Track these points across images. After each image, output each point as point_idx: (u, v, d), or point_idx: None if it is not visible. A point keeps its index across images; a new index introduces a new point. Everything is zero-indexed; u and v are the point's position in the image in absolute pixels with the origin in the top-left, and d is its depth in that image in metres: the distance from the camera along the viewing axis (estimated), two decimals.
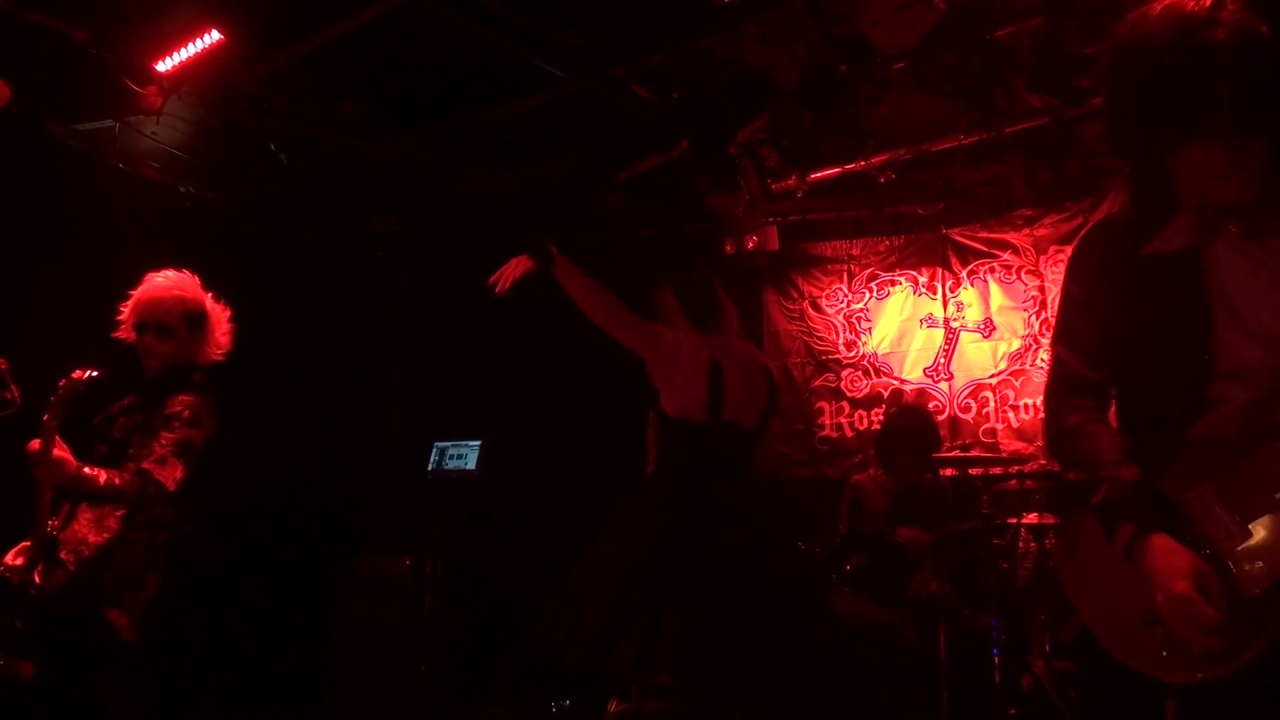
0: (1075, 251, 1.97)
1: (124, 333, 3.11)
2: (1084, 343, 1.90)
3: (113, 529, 2.87)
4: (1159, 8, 1.66)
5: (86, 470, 2.72)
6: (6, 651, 2.68)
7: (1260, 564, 1.60)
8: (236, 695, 5.15)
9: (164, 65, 4.37)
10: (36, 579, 2.73)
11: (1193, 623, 1.60)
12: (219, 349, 3.20)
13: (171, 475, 2.84)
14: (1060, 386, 1.93)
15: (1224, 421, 1.70)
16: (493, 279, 2.94)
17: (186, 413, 2.95)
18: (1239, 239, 1.73)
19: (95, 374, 2.80)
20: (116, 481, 2.76)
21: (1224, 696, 1.62)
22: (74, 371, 2.77)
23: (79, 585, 2.79)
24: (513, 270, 2.95)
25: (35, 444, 2.67)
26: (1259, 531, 1.62)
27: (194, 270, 3.27)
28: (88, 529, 2.86)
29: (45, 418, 2.68)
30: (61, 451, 2.69)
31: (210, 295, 3.22)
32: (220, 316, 3.21)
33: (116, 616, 2.83)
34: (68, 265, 4.22)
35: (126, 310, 3.11)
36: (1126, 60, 1.69)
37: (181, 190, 5.43)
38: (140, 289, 3.11)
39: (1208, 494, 1.67)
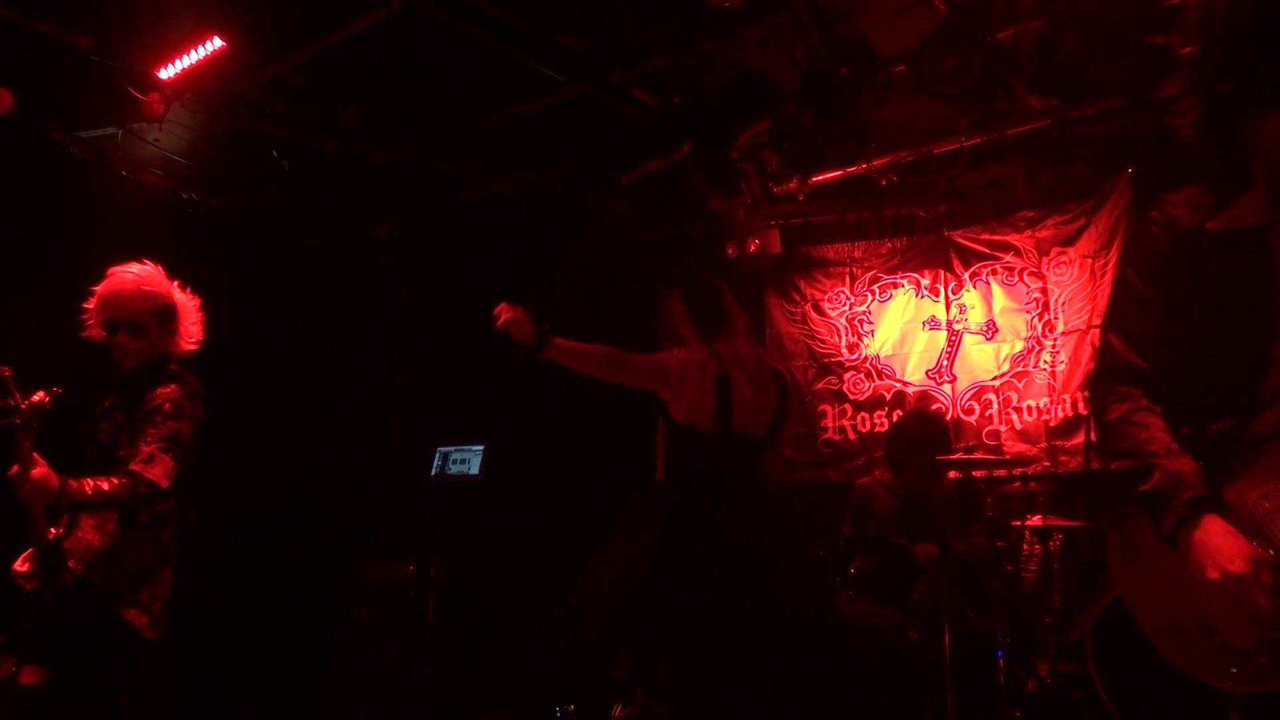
0: (1132, 236, 1.90)
1: (93, 332, 3.03)
2: (1133, 329, 1.81)
3: (111, 531, 2.86)
4: None
5: (71, 484, 2.66)
6: (18, 658, 2.68)
7: None
8: (240, 700, 5.15)
9: (166, 72, 4.38)
10: (44, 586, 2.74)
11: (1241, 608, 1.54)
12: (192, 339, 3.13)
13: (161, 471, 2.80)
14: (1106, 374, 1.85)
15: None
16: (497, 312, 2.91)
17: (168, 405, 2.90)
18: None
19: (58, 391, 2.72)
20: (105, 488, 2.71)
21: None
22: (34, 394, 2.68)
23: (90, 590, 2.79)
24: (516, 312, 2.89)
25: (14, 469, 2.61)
26: None
27: (196, 276, 3.25)
28: (91, 534, 2.85)
29: (17, 441, 2.61)
30: (41, 470, 2.62)
31: (177, 284, 3.15)
32: (189, 306, 3.14)
33: (135, 616, 2.83)
34: (71, 272, 4.22)
35: (92, 308, 3.03)
36: (1218, 12, 1.60)
37: (184, 196, 5.44)
38: (104, 285, 3.02)
39: (1275, 495, 1.59)
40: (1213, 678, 1.60)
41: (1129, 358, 1.81)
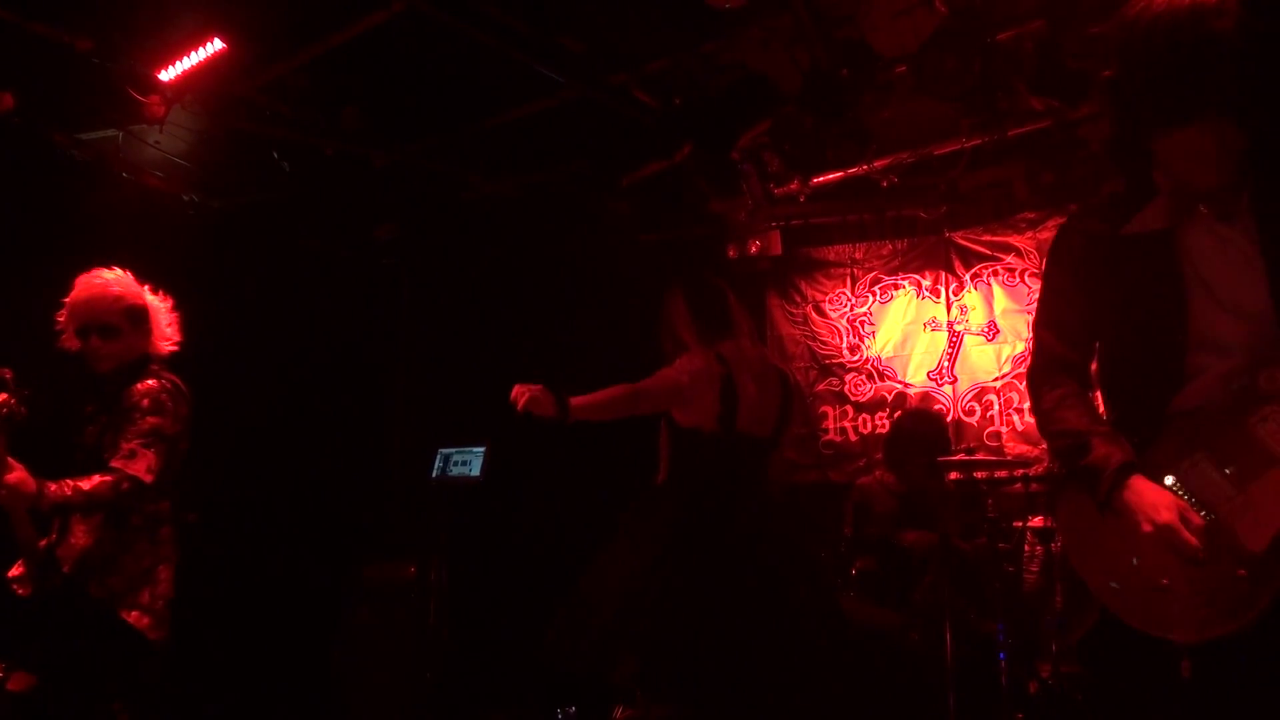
0: (1055, 239, 2.08)
1: (67, 341, 3.02)
2: (1064, 325, 2.02)
3: (106, 533, 2.84)
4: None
5: (50, 486, 2.64)
6: (7, 664, 2.68)
7: (1260, 523, 1.70)
8: (241, 701, 5.14)
9: (167, 74, 4.38)
10: (36, 592, 2.74)
11: (1176, 551, 1.72)
12: (167, 340, 3.12)
13: (144, 466, 2.78)
14: (1041, 367, 2.05)
15: (1204, 391, 1.81)
16: (515, 396, 2.92)
17: (145, 401, 2.89)
18: (1210, 220, 1.84)
19: (25, 392, 2.67)
20: (85, 487, 2.69)
21: (1236, 651, 1.70)
22: None
23: (84, 594, 2.77)
24: (533, 389, 2.91)
25: None
26: (1255, 493, 1.72)
27: (197, 278, 3.24)
28: (84, 539, 2.84)
29: None
30: (17, 474, 2.60)
31: (148, 287, 3.14)
32: (160, 308, 3.13)
33: (137, 618, 2.81)
34: (71, 274, 4.23)
35: (64, 317, 3.02)
36: (1134, 41, 1.75)
37: (185, 199, 5.43)
38: (74, 293, 3.02)
39: (1202, 462, 1.78)
40: (1162, 631, 1.76)
41: (1061, 351, 2.01)
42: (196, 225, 5.44)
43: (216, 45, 4.30)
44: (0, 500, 2.60)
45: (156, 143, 4.92)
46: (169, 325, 3.14)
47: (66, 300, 3.02)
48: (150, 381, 2.95)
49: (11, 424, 2.61)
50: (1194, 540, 1.70)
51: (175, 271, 3.24)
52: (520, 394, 2.90)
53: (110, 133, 4.87)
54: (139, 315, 3.05)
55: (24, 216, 4.60)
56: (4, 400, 2.62)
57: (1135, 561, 1.79)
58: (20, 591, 2.78)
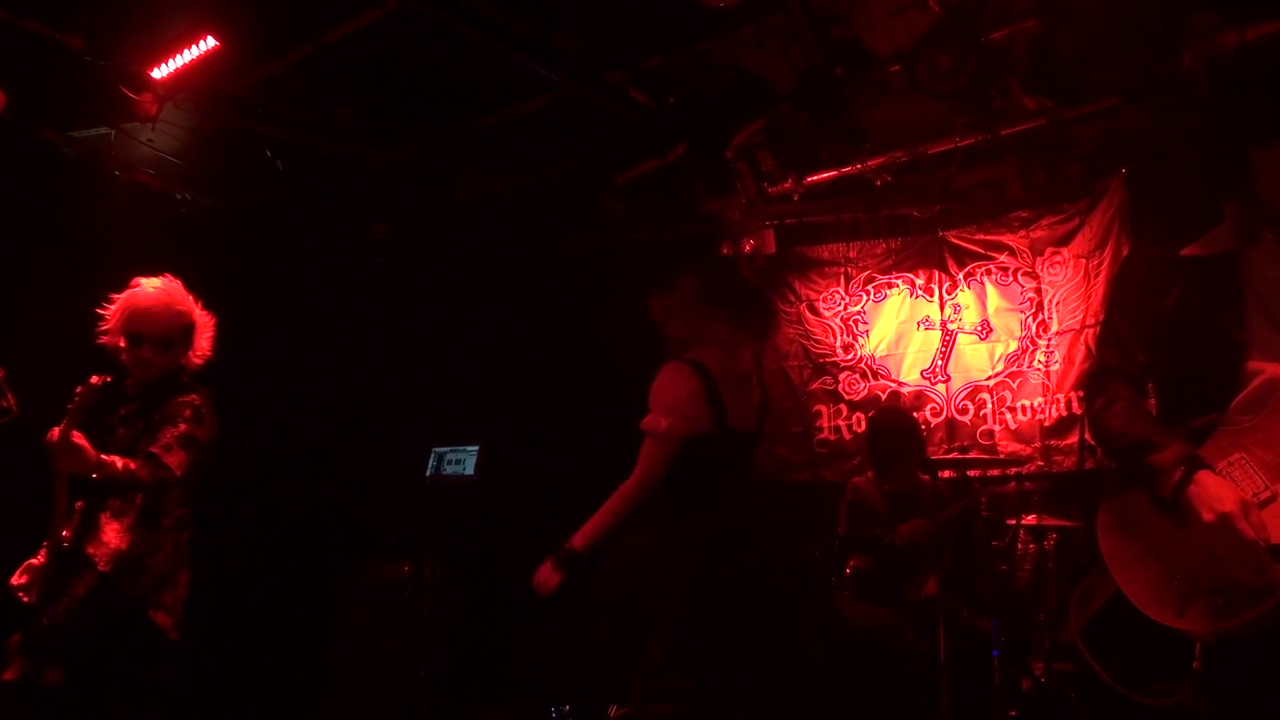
0: (1120, 267, 2.32)
1: (111, 340, 3.07)
2: (1120, 337, 2.15)
3: (138, 535, 2.91)
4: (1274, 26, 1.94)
5: (105, 457, 2.74)
6: (39, 658, 2.70)
7: None
8: (236, 701, 5.14)
9: (160, 72, 4.37)
10: (47, 592, 2.75)
11: (1233, 542, 1.81)
12: (201, 355, 3.20)
13: (177, 461, 2.89)
14: (1095, 375, 2.19)
15: (1254, 400, 1.94)
16: (536, 585, 2.93)
17: (188, 410, 3.00)
18: (1274, 245, 1.99)
19: (109, 380, 2.84)
20: (132, 467, 2.79)
21: (1247, 640, 1.82)
22: (91, 377, 2.80)
23: (119, 592, 2.84)
24: (550, 579, 2.92)
25: (54, 432, 2.68)
26: None
27: (191, 277, 3.25)
28: (116, 538, 2.88)
29: (69, 408, 2.71)
30: (80, 440, 2.70)
31: (194, 300, 3.21)
32: (205, 323, 3.21)
33: (161, 618, 2.90)
34: (64, 273, 4.22)
35: (113, 316, 3.07)
36: (1236, 59, 1.96)
37: (178, 197, 5.42)
38: (131, 297, 3.07)
39: (1239, 461, 1.91)
40: (1177, 621, 1.89)
41: (1115, 361, 2.14)
42: (189, 223, 5.43)
43: (209, 43, 4.29)
44: (59, 465, 2.70)
45: (149, 141, 4.91)
46: (207, 340, 3.22)
47: (121, 301, 3.08)
48: (192, 395, 3.06)
49: (85, 408, 2.74)
50: (1251, 532, 1.79)
51: (168, 270, 3.23)
52: (540, 587, 2.92)
53: (103, 131, 4.86)
54: (190, 330, 3.15)
55: (16, 214, 4.59)
56: (94, 383, 2.78)
57: (1166, 556, 1.92)
58: (24, 599, 2.79)
